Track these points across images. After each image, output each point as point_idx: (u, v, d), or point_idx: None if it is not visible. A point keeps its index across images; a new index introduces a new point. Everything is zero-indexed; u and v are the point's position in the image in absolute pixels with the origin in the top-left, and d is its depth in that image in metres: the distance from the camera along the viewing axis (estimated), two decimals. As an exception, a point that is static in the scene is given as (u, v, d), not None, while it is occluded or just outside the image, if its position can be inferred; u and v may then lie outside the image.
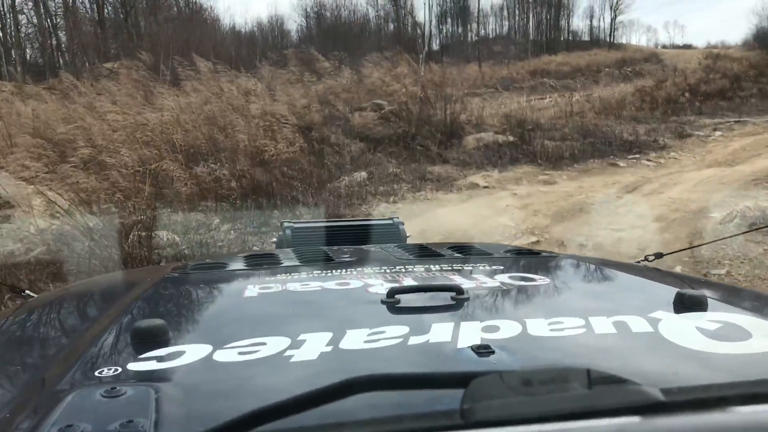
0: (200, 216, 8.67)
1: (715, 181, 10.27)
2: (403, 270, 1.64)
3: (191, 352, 1.01)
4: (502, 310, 1.29)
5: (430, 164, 12.64)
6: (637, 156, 13.84)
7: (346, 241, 2.50)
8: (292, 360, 0.96)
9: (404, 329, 1.07)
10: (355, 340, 1.03)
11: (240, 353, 1.00)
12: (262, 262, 1.89)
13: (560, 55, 42.09)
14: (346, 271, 1.65)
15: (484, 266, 1.70)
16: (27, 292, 2.34)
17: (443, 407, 0.69)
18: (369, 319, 1.18)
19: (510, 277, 1.54)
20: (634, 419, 0.66)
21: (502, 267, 1.70)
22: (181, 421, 0.77)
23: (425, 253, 2.03)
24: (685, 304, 1.21)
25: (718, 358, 0.97)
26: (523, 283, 1.49)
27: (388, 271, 1.64)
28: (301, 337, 1.05)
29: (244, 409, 0.67)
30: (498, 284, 1.46)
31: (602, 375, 0.72)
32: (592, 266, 1.87)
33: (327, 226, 2.92)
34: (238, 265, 1.87)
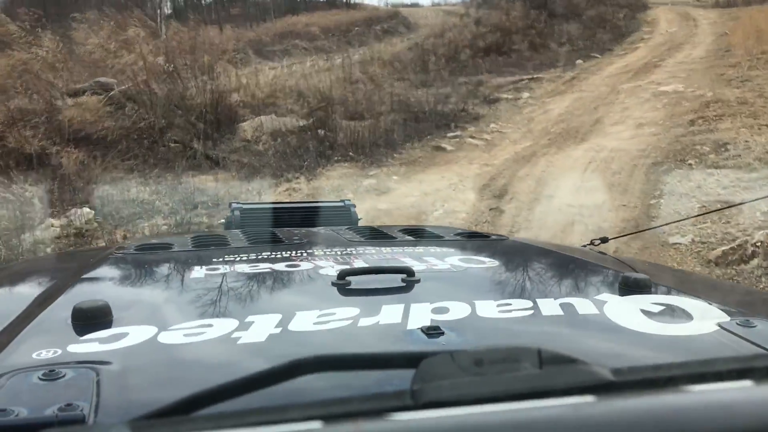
0: None
1: (597, 172, 7.36)
2: (354, 252, 1.62)
3: (135, 334, 0.96)
4: (452, 292, 1.24)
5: (196, 172, 8.26)
6: (458, 133, 10.83)
7: (297, 223, 2.40)
8: (240, 342, 0.93)
9: (354, 311, 1.06)
10: (304, 321, 1.01)
11: (186, 335, 0.96)
12: (209, 243, 1.82)
13: (302, 15, 38.73)
14: (296, 253, 1.61)
15: (434, 249, 1.67)
16: None
17: (393, 388, 0.67)
18: (319, 300, 1.16)
19: (460, 260, 1.51)
20: (588, 398, 0.63)
21: (452, 249, 1.68)
22: (123, 404, 0.75)
23: (376, 235, 1.99)
24: (629, 287, 1.21)
25: (662, 339, 0.97)
26: (472, 265, 1.47)
27: (338, 253, 1.60)
28: (249, 318, 1.02)
29: (189, 391, 0.65)
30: (448, 266, 1.44)
31: (553, 355, 0.70)
32: (540, 249, 1.87)
33: (277, 208, 2.76)
34: (184, 245, 1.80)
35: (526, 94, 13.92)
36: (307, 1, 48.12)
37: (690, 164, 6.87)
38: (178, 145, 9.14)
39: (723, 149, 7.14)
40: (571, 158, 8.05)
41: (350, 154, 9.08)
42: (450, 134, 10.79)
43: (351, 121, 10.57)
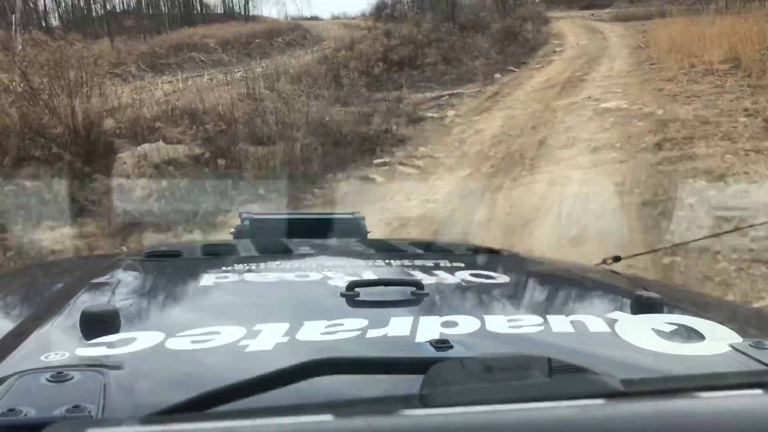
0: None
1: (576, 216, 5.89)
2: (363, 264, 1.64)
3: (142, 339, 0.96)
4: (462, 306, 1.26)
5: (55, 223, 6.19)
6: (386, 159, 9.22)
7: (306, 235, 2.32)
8: (247, 350, 0.93)
9: (363, 322, 1.04)
10: (312, 331, 1.00)
11: (193, 341, 0.96)
12: (219, 252, 1.82)
13: (199, 27, 36.25)
14: (306, 264, 1.61)
15: (444, 263, 1.63)
16: None
17: (402, 392, 0.68)
18: (327, 311, 1.15)
19: (470, 274, 1.48)
20: (597, 401, 0.63)
21: (462, 264, 1.63)
22: (130, 406, 0.75)
23: (386, 248, 1.96)
24: (642, 306, 1.19)
25: (673, 358, 0.96)
26: (483, 280, 1.45)
27: (348, 264, 1.63)
28: (257, 327, 1.00)
29: (195, 393, 0.65)
30: (458, 281, 1.42)
31: (563, 364, 0.70)
32: (552, 267, 1.87)
33: (287, 219, 2.76)
34: (194, 253, 1.83)
35: (451, 112, 12.52)
36: (204, 13, 45.59)
37: (691, 205, 5.52)
38: (36, 183, 7.00)
39: (722, 182, 5.88)
40: (535, 195, 6.57)
41: (259, 191, 7.22)
42: (377, 161, 9.16)
43: (259, 146, 8.73)
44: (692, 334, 1.06)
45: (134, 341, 0.95)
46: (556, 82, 14.71)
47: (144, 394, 0.80)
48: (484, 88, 15.46)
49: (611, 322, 1.10)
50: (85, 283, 1.37)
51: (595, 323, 1.09)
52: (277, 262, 1.59)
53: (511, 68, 18.53)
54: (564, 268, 1.81)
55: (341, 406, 0.64)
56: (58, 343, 0.96)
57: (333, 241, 2.21)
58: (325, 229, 2.47)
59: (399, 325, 1.03)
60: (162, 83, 17.30)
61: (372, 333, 1.00)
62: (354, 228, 2.53)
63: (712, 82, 10.68)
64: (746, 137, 7.40)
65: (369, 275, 1.44)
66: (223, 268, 1.48)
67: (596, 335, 1.05)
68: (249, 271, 1.47)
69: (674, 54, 14.34)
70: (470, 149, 9.68)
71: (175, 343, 0.95)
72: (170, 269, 1.61)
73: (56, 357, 0.88)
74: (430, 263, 1.60)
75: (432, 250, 1.93)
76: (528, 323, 1.08)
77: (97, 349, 0.92)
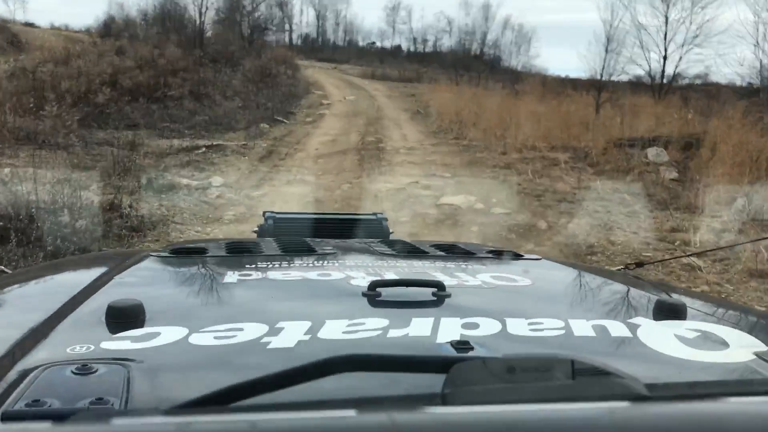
0: None
1: None
2: (385, 264, 1.59)
3: (166, 334, 0.95)
4: (483, 308, 1.19)
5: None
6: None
7: (329, 234, 2.27)
8: (269, 347, 0.92)
9: (384, 322, 1.02)
10: (334, 330, 0.98)
11: (216, 337, 0.95)
12: (242, 250, 1.79)
13: None
14: (328, 263, 1.60)
15: (466, 264, 1.61)
16: (1, 268, 2.13)
17: (424, 391, 0.67)
18: (349, 310, 1.13)
19: (492, 276, 1.46)
20: (622, 404, 0.62)
21: (484, 266, 1.63)
22: (153, 399, 0.74)
23: (408, 249, 1.88)
24: (664, 312, 1.16)
25: (696, 365, 0.93)
26: (504, 283, 1.42)
27: (370, 264, 1.58)
28: (279, 324, 0.99)
29: (218, 388, 0.64)
30: (480, 282, 1.40)
31: (586, 366, 0.69)
32: (574, 271, 1.80)
33: (310, 218, 2.76)
34: (218, 251, 1.76)
35: (217, 180, 8.35)
36: None
37: None
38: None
39: None
40: None
41: None
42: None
43: None
44: (716, 341, 1.02)
45: (158, 336, 0.94)
46: (346, 146, 11.42)
47: (167, 388, 0.80)
48: (253, 143, 11.55)
49: (633, 328, 1.06)
50: (111, 278, 1.37)
51: (617, 328, 1.06)
52: (300, 261, 1.59)
53: (280, 118, 14.89)
54: (586, 272, 1.74)
55: (364, 403, 0.64)
56: (84, 336, 0.94)
57: (355, 241, 2.14)
58: (348, 229, 2.45)
59: (420, 325, 1.01)
60: None
61: (393, 333, 0.98)
62: (376, 228, 2.49)
63: (569, 175, 8.27)
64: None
65: (391, 275, 1.40)
66: (247, 266, 1.48)
67: (618, 340, 1.02)
68: (272, 269, 1.46)
69: (481, 129, 12.05)
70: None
71: (198, 339, 0.94)
72: (194, 266, 1.58)
73: (81, 350, 0.87)
74: (451, 265, 1.58)
75: (453, 252, 1.85)
76: (549, 326, 1.05)
77: (122, 342, 0.91)
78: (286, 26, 41.55)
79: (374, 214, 2.64)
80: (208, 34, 23.93)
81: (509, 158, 9.35)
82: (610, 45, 17.97)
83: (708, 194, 6.46)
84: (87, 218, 5.72)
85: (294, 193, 7.76)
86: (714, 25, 19.26)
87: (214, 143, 11.02)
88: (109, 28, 25.50)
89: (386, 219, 2.58)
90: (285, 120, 14.88)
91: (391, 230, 2.55)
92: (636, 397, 0.62)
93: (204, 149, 10.45)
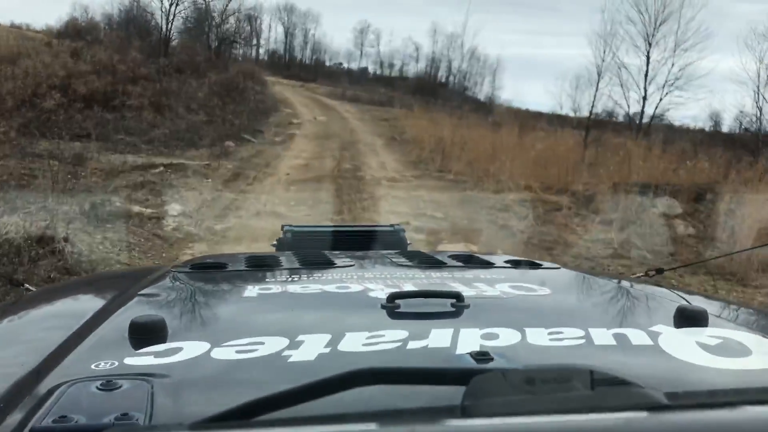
0: None
1: None
2: (404, 276, 1.58)
3: (189, 349, 0.95)
4: (502, 318, 1.18)
5: None
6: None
7: (347, 246, 2.27)
8: (290, 360, 0.92)
9: (404, 333, 1.01)
10: (353, 342, 0.98)
11: (238, 351, 0.95)
12: (262, 264, 1.78)
13: None
14: (347, 275, 1.57)
15: (484, 275, 1.59)
16: (26, 285, 2.07)
17: (444, 403, 0.67)
18: (368, 322, 1.11)
19: (510, 287, 1.44)
20: (641, 414, 0.61)
21: (502, 276, 1.60)
22: (177, 414, 0.74)
23: (426, 260, 1.88)
24: (685, 319, 1.14)
25: (718, 372, 0.91)
26: (523, 292, 1.41)
27: (388, 276, 1.57)
28: (300, 338, 0.99)
29: (241, 402, 0.64)
30: (498, 293, 1.38)
31: (605, 377, 0.69)
32: (593, 279, 1.82)
33: (328, 231, 2.73)
34: (238, 265, 1.78)
35: (175, 208, 7.16)
36: None
37: None
38: None
39: None
40: None
41: None
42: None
43: None
44: (738, 349, 1.00)
45: (181, 351, 0.94)
46: (321, 172, 10.34)
47: (190, 402, 0.79)
48: (217, 163, 10.37)
49: (654, 336, 1.04)
50: (134, 295, 1.38)
51: (637, 336, 1.04)
52: (319, 274, 1.58)
53: (247, 137, 13.73)
54: (605, 280, 1.75)
55: (385, 416, 0.64)
56: (108, 352, 0.94)
57: (373, 253, 2.13)
58: (366, 241, 2.44)
59: (439, 336, 1.00)
60: None
61: (413, 344, 0.97)
62: (394, 240, 2.48)
63: (574, 223, 7.35)
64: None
65: (409, 287, 1.40)
66: (267, 280, 1.49)
67: (639, 348, 1.00)
68: (291, 282, 1.46)
69: (465, 162, 11.13)
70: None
71: (220, 353, 0.94)
72: (215, 281, 1.58)
73: (105, 366, 0.88)
74: (470, 275, 1.57)
75: (472, 262, 1.85)
76: (569, 336, 1.03)
77: (145, 358, 0.91)
78: (254, 41, 40.46)
79: (391, 225, 2.64)
80: (174, 42, 22.71)
81: (505, 199, 8.42)
82: (599, 82, 17.51)
83: (747, 258, 5.61)
84: (4, 255, 4.49)
85: (264, 228, 6.63)
86: (695, 69, 18.89)
87: (174, 162, 9.81)
88: (68, 29, 23.95)
89: (404, 230, 2.57)
90: (252, 138, 13.74)
91: (408, 242, 2.52)
92: (655, 407, 0.62)
93: (162, 168, 9.24)
